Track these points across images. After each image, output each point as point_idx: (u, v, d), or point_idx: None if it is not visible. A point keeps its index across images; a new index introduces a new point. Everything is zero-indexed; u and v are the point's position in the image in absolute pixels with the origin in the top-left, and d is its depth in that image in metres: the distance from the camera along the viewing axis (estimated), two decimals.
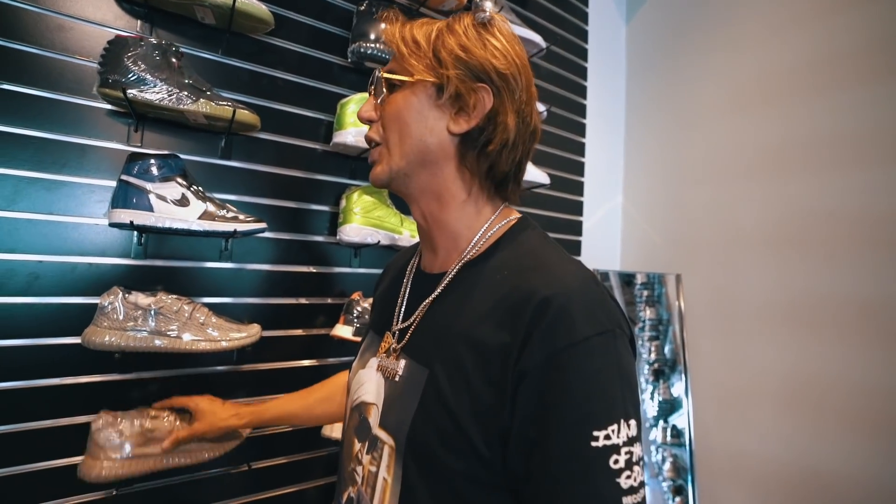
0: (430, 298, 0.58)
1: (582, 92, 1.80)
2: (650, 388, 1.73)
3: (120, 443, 0.83)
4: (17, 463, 0.83)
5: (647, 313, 1.77)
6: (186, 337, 0.92)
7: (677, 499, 1.64)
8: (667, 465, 1.67)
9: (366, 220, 1.15)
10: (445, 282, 0.57)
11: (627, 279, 1.79)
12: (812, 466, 1.40)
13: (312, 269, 1.17)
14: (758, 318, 1.56)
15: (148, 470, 0.85)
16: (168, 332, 0.91)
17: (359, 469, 0.57)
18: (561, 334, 0.45)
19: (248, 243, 1.08)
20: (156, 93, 0.88)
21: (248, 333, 0.98)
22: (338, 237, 1.15)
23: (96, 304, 0.86)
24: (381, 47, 1.15)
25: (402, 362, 0.56)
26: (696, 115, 1.78)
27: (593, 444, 0.43)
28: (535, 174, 1.45)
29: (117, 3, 0.94)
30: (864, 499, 1.30)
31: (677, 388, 1.70)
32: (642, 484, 0.45)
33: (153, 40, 0.90)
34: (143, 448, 0.85)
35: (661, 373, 1.73)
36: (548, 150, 1.68)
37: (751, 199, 1.60)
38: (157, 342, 0.89)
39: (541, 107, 1.49)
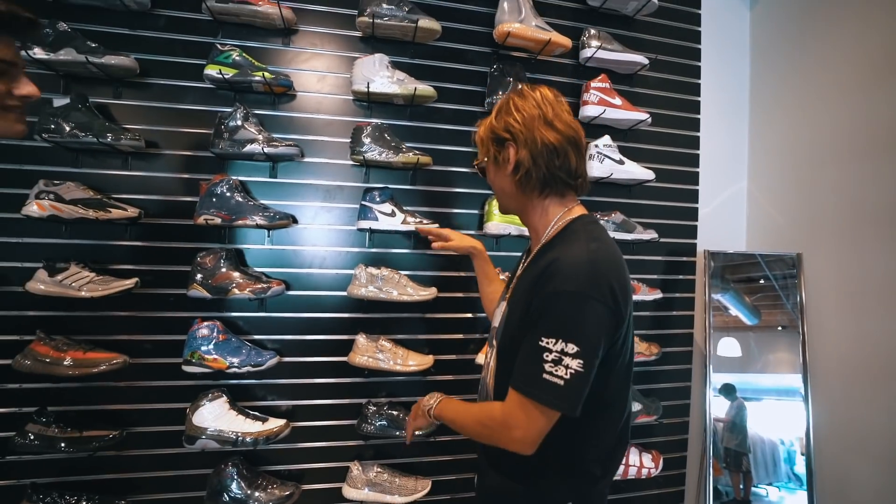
0: (521, 269, 1.02)
1: (695, 91, 1.99)
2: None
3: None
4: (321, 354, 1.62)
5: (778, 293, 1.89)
6: (394, 293, 1.59)
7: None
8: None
9: (502, 219, 1.67)
10: (529, 258, 0.99)
11: (752, 260, 1.94)
12: None
13: None
14: (881, 296, 1.58)
15: None
16: (386, 290, 1.59)
17: (486, 360, 1.06)
18: (551, 285, 0.82)
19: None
20: (376, 154, 1.55)
21: (428, 293, 1.61)
22: (484, 230, 1.70)
23: (353, 273, 1.58)
24: None
25: (503, 304, 1.01)
26: (823, 93, 1.80)
27: (540, 343, 0.81)
28: (637, 172, 1.77)
29: (354, 102, 1.65)
30: None
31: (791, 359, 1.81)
32: (564, 377, 0.79)
33: (374, 122, 1.57)
34: None
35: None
36: (661, 148, 1.94)
37: (876, 178, 1.61)
38: (381, 296, 1.58)
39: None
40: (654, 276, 1.94)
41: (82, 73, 1.38)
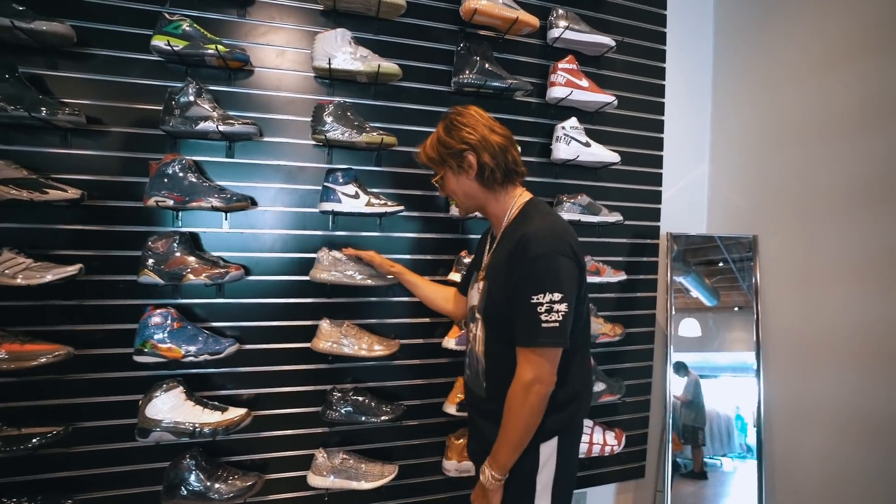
0: (492, 249, 1.19)
1: (661, 74, 2.01)
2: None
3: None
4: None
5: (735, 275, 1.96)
6: (357, 277, 1.55)
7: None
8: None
9: None
10: (497, 239, 1.18)
11: (711, 243, 2.00)
12: (885, 410, 1.51)
13: (435, 236, 1.72)
14: (832, 275, 1.66)
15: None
16: (349, 274, 1.55)
17: (471, 335, 1.20)
18: (526, 255, 1.03)
19: (393, 220, 1.67)
20: (338, 133, 1.50)
21: (389, 280, 1.57)
22: (450, 213, 1.68)
23: (315, 257, 1.53)
24: (474, 78, 1.61)
25: (482, 282, 1.16)
26: (783, 76, 1.85)
27: (531, 301, 1.01)
28: (603, 154, 1.78)
29: (316, 79, 1.58)
30: None
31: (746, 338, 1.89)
32: (558, 319, 1.00)
33: (336, 100, 1.51)
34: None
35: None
36: (626, 131, 1.96)
37: (831, 159, 1.67)
38: (345, 280, 1.53)
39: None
40: (620, 259, 1.97)
41: (8, 39, 1.25)
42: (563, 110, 1.82)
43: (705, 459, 1.91)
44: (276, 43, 1.55)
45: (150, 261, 1.40)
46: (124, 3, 1.40)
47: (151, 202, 1.38)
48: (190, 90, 1.39)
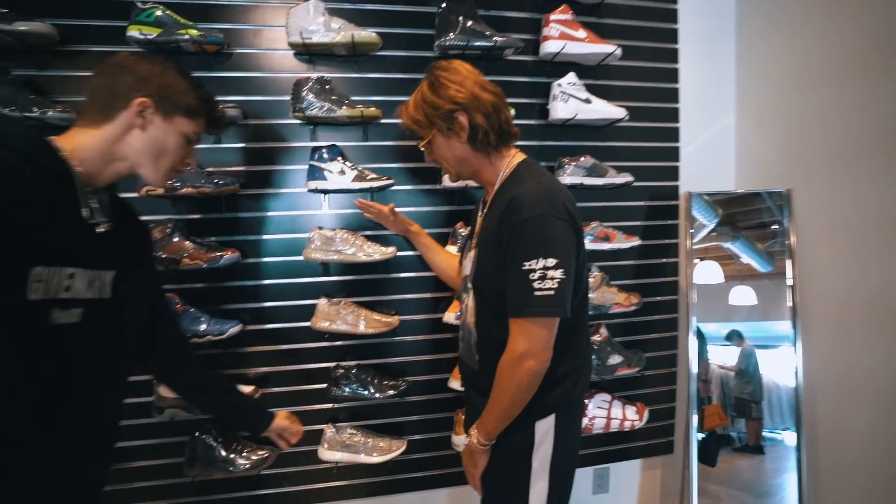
0: (483, 215, 1.12)
1: (672, 17, 1.81)
2: None
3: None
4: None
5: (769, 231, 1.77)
6: (350, 251, 1.53)
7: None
8: None
9: None
10: (488, 204, 1.10)
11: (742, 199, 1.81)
12: None
13: (430, 209, 1.67)
14: (876, 231, 1.45)
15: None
16: (343, 251, 1.54)
17: (463, 306, 1.17)
18: (516, 216, 0.94)
19: (384, 194, 1.63)
20: (318, 109, 1.47)
21: (389, 251, 1.55)
22: (443, 184, 1.62)
23: (307, 237, 1.53)
24: (457, 40, 1.52)
25: (474, 250, 1.10)
26: (818, 6, 1.61)
27: (523, 268, 0.93)
28: (606, 111, 1.64)
29: (295, 56, 1.55)
30: None
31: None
32: (553, 287, 0.92)
33: (314, 76, 1.48)
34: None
35: None
36: (635, 83, 1.79)
37: (879, 98, 1.44)
38: (337, 257, 1.52)
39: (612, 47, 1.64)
40: (635, 223, 1.83)
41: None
42: (562, 66, 1.68)
43: (763, 433, 1.76)
44: (252, 21, 1.54)
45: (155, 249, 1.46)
46: None
47: (143, 192, 1.42)
48: None
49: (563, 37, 1.59)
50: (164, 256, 1.45)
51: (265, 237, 1.59)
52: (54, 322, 0.74)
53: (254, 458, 1.54)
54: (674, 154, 1.85)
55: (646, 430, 1.84)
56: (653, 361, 1.85)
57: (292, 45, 1.49)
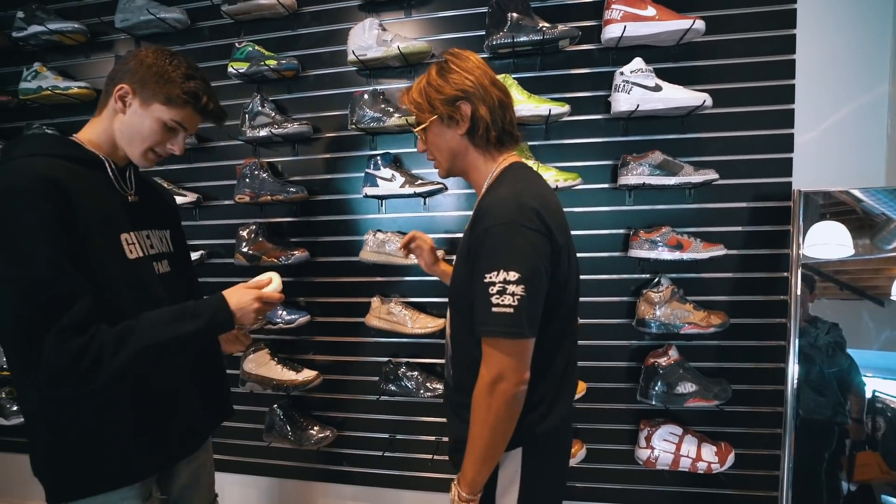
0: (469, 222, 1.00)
1: None
2: None
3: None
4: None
5: None
6: (401, 255, 1.61)
7: None
8: None
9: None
10: (474, 208, 0.97)
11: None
12: None
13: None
14: None
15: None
16: (395, 254, 1.63)
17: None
18: (481, 225, 0.86)
19: (438, 199, 1.67)
20: (370, 121, 1.58)
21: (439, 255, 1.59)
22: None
23: (363, 239, 1.66)
24: (505, 38, 1.47)
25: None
26: None
27: (484, 281, 0.84)
28: (680, 98, 1.40)
29: (357, 73, 1.69)
30: None
31: None
32: (512, 304, 0.81)
33: (368, 90, 1.59)
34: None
35: None
36: (731, 61, 1.49)
37: None
38: (391, 259, 1.62)
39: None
40: (726, 229, 1.53)
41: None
42: (634, 51, 1.49)
43: None
44: (322, 45, 1.72)
45: (243, 246, 1.75)
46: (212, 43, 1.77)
47: (236, 199, 1.71)
48: (256, 102, 1.67)
49: (625, 17, 1.41)
50: (250, 253, 1.73)
51: (331, 238, 1.77)
52: (158, 272, 1.01)
53: (317, 435, 1.75)
54: (786, 143, 1.49)
55: (722, 477, 1.53)
56: (747, 397, 1.53)
57: (353, 64, 1.62)
